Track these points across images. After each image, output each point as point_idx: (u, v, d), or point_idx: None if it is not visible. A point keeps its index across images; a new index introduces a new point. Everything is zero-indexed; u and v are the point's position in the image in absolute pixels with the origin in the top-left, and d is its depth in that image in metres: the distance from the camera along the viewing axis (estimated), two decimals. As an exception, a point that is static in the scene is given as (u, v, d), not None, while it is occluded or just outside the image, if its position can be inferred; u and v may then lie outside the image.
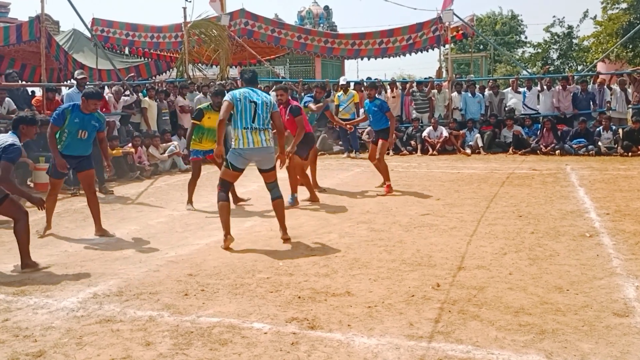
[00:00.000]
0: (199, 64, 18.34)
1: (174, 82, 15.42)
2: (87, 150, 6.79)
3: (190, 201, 8.17)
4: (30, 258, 5.33)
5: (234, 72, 23.22)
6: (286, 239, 6.10)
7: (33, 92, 13.28)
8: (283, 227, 6.18)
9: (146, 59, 20.27)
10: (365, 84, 16.59)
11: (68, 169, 6.73)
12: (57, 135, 6.59)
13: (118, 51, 19.99)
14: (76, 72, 9.78)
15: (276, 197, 6.15)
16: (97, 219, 6.74)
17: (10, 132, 5.43)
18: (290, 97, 8.40)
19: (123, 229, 6.98)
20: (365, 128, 14.18)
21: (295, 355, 3.45)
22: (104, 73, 17.77)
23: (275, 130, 6.36)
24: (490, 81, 16.34)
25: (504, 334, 3.66)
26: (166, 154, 12.07)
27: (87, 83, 9.77)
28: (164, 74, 20.78)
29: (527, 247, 5.71)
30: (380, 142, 8.99)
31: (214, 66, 18.92)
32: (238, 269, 5.20)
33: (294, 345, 3.59)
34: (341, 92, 14.21)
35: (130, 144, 11.49)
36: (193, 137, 8.05)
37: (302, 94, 15.31)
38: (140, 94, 13.23)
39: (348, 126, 10.61)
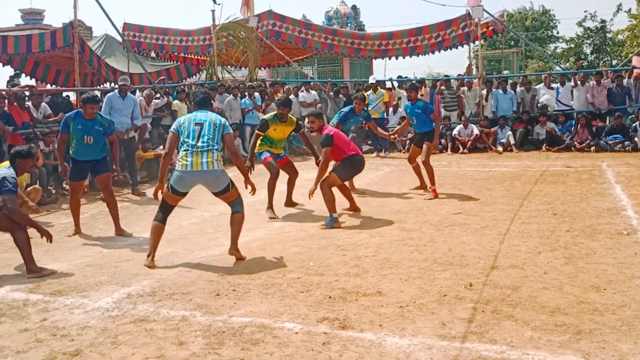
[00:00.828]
0: (228, 66, 18.49)
1: (203, 85, 15.57)
2: (98, 154, 6.98)
3: (270, 205, 7.64)
4: (34, 263, 5.37)
5: (262, 73, 23.35)
6: (235, 254, 5.57)
7: (68, 96, 13.56)
8: (234, 242, 5.59)
9: (176, 62, 20.54)
10: (393, 83, 16.52)
11: (81, 173, 7.08)
12: (68, 143, 6.93)
13: (147, 55, 20.28)
14: (120, 78, 10.14)
15: (236, 212, 5.66)
16: (115, 219, 6.98)
17: (8, 165, 5.56)
18: (324, 123, 7.59)
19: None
20: (394, 127, 14.09)
21: (327, 355, 3.44)
22: (136, 77, 18.05)
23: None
24: (522, 77, 16.07)
25: (540, 334, 3.59)
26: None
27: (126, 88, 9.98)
28: (193, 76, 21.01)
29: (563, 245, 5.60)
30: (425, 145, 8.62)
31: (242, 68, 19.06)
32: (269, 269, 5.22)
33: (325, 345, 3.58)
34: (370, 91, 14.15)
35: (162, 147, 11.63)
36: (262, 141, 7.65)
37: (331, 93, 15.32)
38: (170, 97, 13.40)
39: (392, 137, 10.24)
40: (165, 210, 5.70)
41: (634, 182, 8.85)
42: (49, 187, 9.56)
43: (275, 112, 7.74)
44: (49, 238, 5.53)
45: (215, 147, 5.50)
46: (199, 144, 5.43)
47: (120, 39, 17.65)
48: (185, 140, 5.47)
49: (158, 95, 12.94)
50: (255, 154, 7.75)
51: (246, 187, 5.80)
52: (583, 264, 5.00)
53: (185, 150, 5.45)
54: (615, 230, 6.05)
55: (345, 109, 8.96)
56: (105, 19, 15.40)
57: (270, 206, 7.63)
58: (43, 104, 10.68)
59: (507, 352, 3.38)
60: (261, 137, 7.68)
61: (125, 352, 3.60)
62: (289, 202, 8.12)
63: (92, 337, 3.85)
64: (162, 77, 16.98)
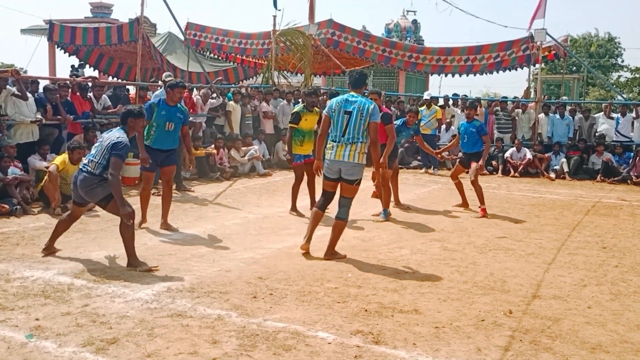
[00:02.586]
0: (285, 71, 18.70)
1: (258, 88, 15.79)
2: (174, 143, 7.14)
3: (294, 207, 8.25)
4: (135, 258, 5.34)
5: (318, 81, 23.50)
6: (330, 259, 5.84)
7: (128, 89, 13.99)
8: (331, 247, 5.92)
9: (234, 63, 20.88)
10: (447, 101, 16.34)
11: (156, 163, 7.05)
12: (146, 131, 6.90)
13: (207, 54, 20.67)
14: (164, 75, 10.22)
15: (339, 218, 5.89)
16: (165, 212, 7.11)
17: (118, 127, 5.64)
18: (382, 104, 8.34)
19: (200, 227, 7.19)
20: (445, 145, 13.93)
21: (358, 369, 3.43)
22: (194, 75, 18.47)
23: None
24: (581, 104, 15.64)
25: (578, 371, 3.48)
26: (246, 157, 12.36)
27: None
28: (250, 79, 21.34)
29: (610, 280, 5.41)
30: (473, 164, 8.65)
31: (299, 74, 19.22)
32: (307, 276, 5.24)
33: (356, 359, 3.57)
34: (424, 107, 14.05)
35: (213, 145, 11.86)
36: (294, 140, 8.05)
37: (383, 105, 15.26)
38: (225, 98, 13.64)
39: (439, 156, 10.07)
40: (325, 197, 6.07)
41: (692, 222, 8.48)
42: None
43: (303, 104, 8.24)
44: (130, 218, 5.21)
45: (360, 140, 5.78)
46: (344, 137, 5.80)
47: (182, 38, 18.09)
48: (333, 130, 5.89)
49: (214, 95, 13.19)
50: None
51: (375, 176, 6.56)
52: (630, 301, 4.82)
53: (332, 140, 5.90)
54: (668, 271, 5.81)
55: (398, 122, 8.94)
56: (169, 17, 15.77)
57: (294, 208, 8.24)
58: (104, 95, 11.04)
59: (542, 386, 3.29)
60: (294, 132, 8.02)
61: (159, 345, 3.68)
62: (312, 203, 8.21)
63: (130, 327, 3.94)
64: (220, 78, 17.30)
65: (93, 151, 5.50)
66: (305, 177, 8.20)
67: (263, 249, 6.21)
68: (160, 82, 11.71)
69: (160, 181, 7.76)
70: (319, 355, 3.61)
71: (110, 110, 10.84)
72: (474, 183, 8.57)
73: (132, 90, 14.01)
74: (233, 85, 17.62)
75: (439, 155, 9.85)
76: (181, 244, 6.34)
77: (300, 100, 14.53)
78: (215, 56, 20.72)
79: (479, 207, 8.54)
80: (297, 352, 3.63)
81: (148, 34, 16.82)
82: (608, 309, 4.62)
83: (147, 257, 5.71)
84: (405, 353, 3.67)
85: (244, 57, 20.40)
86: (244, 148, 12.52)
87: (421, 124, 13.80)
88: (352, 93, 5.94)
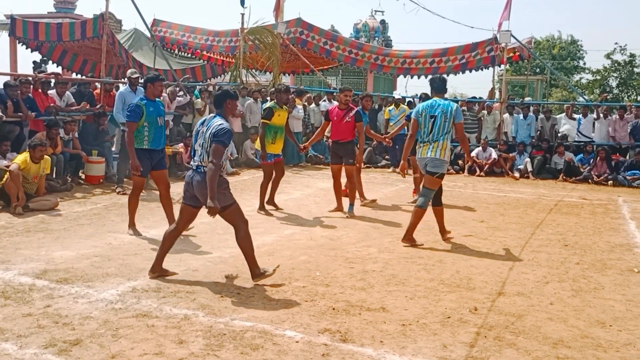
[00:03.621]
0: (253, 70, 18.61)
1: (225, 86, 15.68)
2: (164, 140, 6.88)
3: (262, 205, 8.23)
4: (258, 267, 5.01)
5: (286, 80, 23.45)
6: (407, 244, 6.55)
7: (90, 90, 13.71)
8: (409, 232, 6.61)
9: (200, 59, 20.66)
10: (415, 100, 16.49)
11: (150, 166, 6.62)
12: (136, 134, 6.51)
13: (171, 50, 20.38)
14: (129, 71, 9.98)
15: (419, 206, 6.57)
16: (170, 216, 6.68)
17: (213, 115, 5.07)
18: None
19: (166, 226, 7.08)
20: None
21: (325, 367, 3.43)
22: (161, 72, 18.19)
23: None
24: (543, 105, 15.97)
25: (541, 366, 3.55)
26: (214, 156, 12.25)
27: (141, 83, 9.98)
28: (218, 77, 21.16)
29: (571, 277, 5.54)
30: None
31: (267, 73, 19.15)
32: (275, 275, 5.21)
33: (324, 357, 3.57)
34: (392, 106, 14.15)
35: (181, 144, 11.72)
36: (266, 137, 8.03)
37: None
38: (193, 95, 13.50)
39: (386, 140, 10.23)
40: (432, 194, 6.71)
41: (649, 220, 8.74)
42: (66, 176, 9.64)
43: (274, 100, 8.26)
44: (214, 213, 4.80)
45: (442, 137, 6.50)
46: (430, 137, 6.52)
47: (148, 34, 17.84)
48: (420, 130, 6.63)
49: (181, 92, 13.04)
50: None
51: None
52: (590, 298, 4.95)
53: (420, 141, 6.62)
54: (626, 267, 5.97)
55: (357, 108, 9.07)
56: (135, 13, 15.56)
57: (262, 206, 8.22)
58: (67, 92, 10.80)
59: (506, 381, 3.35)
60: (266, 128, 8.04)
61: (124, 346, 3.62)
62: (272, 202, 8.42)
63: (94, 328, 3.87)
64: (187, 76, 17.12)
65: (199, 149, 4.98)
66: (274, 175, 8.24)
67: (230, 248, 6.16)
68: (124, 79, 11.53)
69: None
70: (286, 354, 3.60)
71: (74, 108, 10.61)
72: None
73: (98, 86, 13.75)
74: (201, 83, 17.46)
75: (386, 140, 9.94)
76: (147, 244, 6.25)
77: (268, 98, 14.51)
78: (182, 53, 20.46)
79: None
80: (264, 351, 3.62)
81: (113, 30, 16.54)
82: (569, 305, 4.72)
83: (112, 257, 5.63)
84: (372, 351, 3.69)
85: (211, 55, 20.20)
86: (211, 146, 12.40)
87: (390, 123, 13.93)
88: (435, 98, 6.64)
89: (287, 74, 22.64)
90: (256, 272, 4.97)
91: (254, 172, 12.70)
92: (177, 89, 12.99)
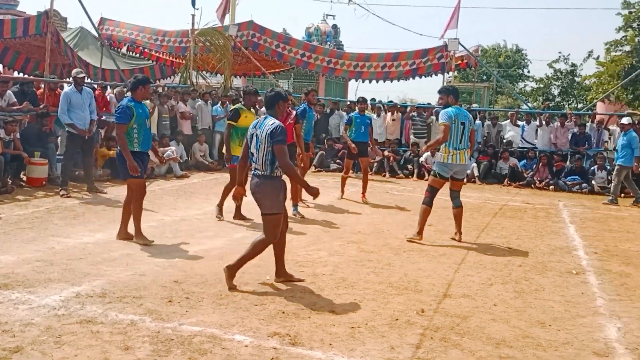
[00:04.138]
0: (203, 72, 18.43)
1: (176, 88, 15.46)
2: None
3: (220, 208, 8.01)
4: (286, 271, 5.25)
5: (238, 82, 23.31)
6: (459, 240, 7.29)
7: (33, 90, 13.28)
8: (459, 228, 7.41)
9: (149, 59, 20.30)
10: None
11: (142, 168, 6.43)
12: (125, 137, 6.33)
13: (119, 50, 19.96)
14: (74, 71, 9.72)
15: (458, 206, 7.33)
16: (125, 223, 6.50)
17: (264, 116, 5.08)
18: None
19: (112, 230, 6.95)
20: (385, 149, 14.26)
21: (274, 371, 3.44)
22: (108, 73, 17.80)
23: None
24: (490, 112, 16.43)
25: (484, 365, 3.66)
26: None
27: (87, 83, 9.74)
28: (168, 78, 20.85)
29: (514, 279, 5.72)
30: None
31: (218, 75, 19.00)
32: (225, 279, 5.18)
33: (273, 361, 3.57)
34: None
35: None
36: (232, 140, 7.76)
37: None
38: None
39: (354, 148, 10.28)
40: (434, 193, 7.28)
41: (587, 224, 9.11)
42: (7, 178, 9.30)
43: (241, 102, 8.14)
44: (316, 195, 5.07)
45: (468, 145, 7.15)
46: (461, 144, 7.04)
47: (95, 33, 17.42)
48: (451, 137, 6.98)
49: (129, 94, 12.78)
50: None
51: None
52: (532, 299, 5.12)
53: (453, 148, 7.02)
54: (565, 269, 6.21)
55: (302, 106, 9.25)
56: (82, 11, 15.20)
57: (220, 210, 8.02)
58: (9, 91, 10.42)
59: (451, 381, 3.43)
60: (232, 130, 7.78)
61: (67, 353, 3.53)
62: (238, 214, 7.99)
63: (35, 335, 3.76)
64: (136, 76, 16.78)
65: (254, 151, 4.98)
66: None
67: (179, 252, 6.10)
68: (69, 79, 11.23)
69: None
70: (235, 358, 3.58)
71: (15, 107, 10.25)
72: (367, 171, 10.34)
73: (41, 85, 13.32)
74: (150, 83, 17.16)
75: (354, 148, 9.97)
76: (92, 248, 6.10)
77: (220, 102, 14.39)
78: (130, 52, 20.07)
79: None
80: (212, 356, 3.59)
81: (58, 28, 16.08)
82: (512, 306, 4.88)
83: (55, 262, 5.46)
84: (321, 354, 3.72)
85: (160, 55, 19.89)
86: (160, 149, 12.21)
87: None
88: (457, 106, 7.15)
89: (238, 77, 22.53)
90: (234, 272, 4.99)
91: (203, 175, 12.57)
92: (125, 89, 12.72)
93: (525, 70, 43.48)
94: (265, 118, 5.03)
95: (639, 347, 4.10)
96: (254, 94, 8.15)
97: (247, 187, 5.20)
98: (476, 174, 14.04)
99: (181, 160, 12.66)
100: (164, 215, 8.04)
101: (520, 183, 13.61)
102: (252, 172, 5.05)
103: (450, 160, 7.04)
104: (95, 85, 12.50)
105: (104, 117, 11.42)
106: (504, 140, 15.02)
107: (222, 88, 16.69)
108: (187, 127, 13.72)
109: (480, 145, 14.82)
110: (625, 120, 11.83)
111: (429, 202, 7.22)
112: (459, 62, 17.83)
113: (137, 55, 20.25)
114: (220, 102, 14.42)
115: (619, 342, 4.20)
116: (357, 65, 17.86)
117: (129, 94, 6.83)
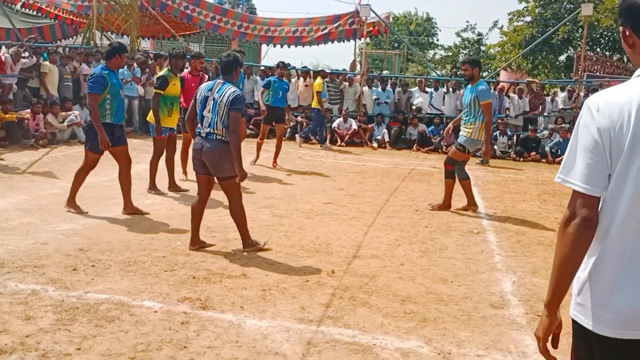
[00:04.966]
0: (108, 32, 17.55)
1: (78, 49, 14.66)
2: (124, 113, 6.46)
3: (153, 184, 7.49)
4: (250, 237, 5.23)
5: (145, 44, 22.40)
6: (465, 209, 7.42)
7: None
8: (470, 199, 7.46)
9: (47, 17, 19.04)
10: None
11: (111, 141, 6.06)
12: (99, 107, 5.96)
13: (13, 6, 18.58)
14: None
15: (464, 178, 7.35)
16: (127, 196, 6.30)
17: (224, 82, 5.02)
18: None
19: (11, 198, 6.60)
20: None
21: (184, 335, 3.43)
22: (2, 31, 16.60)
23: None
24: (401, 79, 16.79)
25: (390, 321, 3.83)
26: (65, 123, 11.49)
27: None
28: (70, 38, 19.70)
29: (420, 240, 5.97)
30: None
31: (124, 36, 18.17)
32: (133, 246, 5.08)
33: (183, 325, 3.56)
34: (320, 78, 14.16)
35: (28, 110, 10.83)
36: (160, 109, 7.19)
37: (216, 74, 15.04)
38: (40, 57, 12.48)
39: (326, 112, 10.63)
40: (461, 166, 7.41)
41: (488, 186, 9.62)
42: None
43: (167, 68, 7.52)
44: (243, 179, 5.08)
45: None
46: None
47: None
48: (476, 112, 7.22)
49: (27, 54, 12.00)
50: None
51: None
52: (436, 257, 5.38)
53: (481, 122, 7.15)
54: (467, 229, 6.55)
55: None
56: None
57: (153, 185, 7.51)
58: None
59: (358, 337, 3.56)
60: (160, 99, 7.19)
61: (-37, 326, 3.35)
62: (173, 185, 7.72)
63: None
64: (33, 36, 15.74)
65: (210, 115, 4.91)
66: (165, 154, 7.51)
67: (84, 220, 5.88)
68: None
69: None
70: (144, 324, 3.54)
71: None
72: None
73: None
74: (49, 44, 16.16)
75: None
76: (-12, 217, 5.77)
77: (126, 64, 13.76)
78: (26, 9, 18.73)
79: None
80: (120, 323, 3.53)
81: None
82: (417, 265, 5.11)
83: (-54, 232, 5.12)
84: (232, 316, 3.75)
85: (60, 13, 18.70)
86: (63, 113, 11.61)
87: (324, 99, 13.88)
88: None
89: (146, 39, 21.65)
90: (249, 243, 5.18)
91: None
92: (22, 49, 11.93)
93: (435, 39, 44.60)
94: (224, 84, 5.00)
95: (530, 299, 4.42)
96: (181, 58, 7.49)
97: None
98: (387, 139, 14.39)
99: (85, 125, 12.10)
100: (68, 183, 7.65)
101: (429, 148, 14.09)
102: (203, 136, 4.97)
103: (478, 136, 7.17)
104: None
105: (-2, 79, 10.69)
106: (413, 107, 15.45)
107: (129, 50, 15.97)
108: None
109: (391, 112, 15.17)
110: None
111: (453, 176, 7.36)
112: (371, 28, 18.00)
113: (34, 12, 18.91)
114: (126, 64, 13.80)
115: (513, 294, 4.51)
116: (269, 30, 17.66)
117: (103, 61, 6.41)
